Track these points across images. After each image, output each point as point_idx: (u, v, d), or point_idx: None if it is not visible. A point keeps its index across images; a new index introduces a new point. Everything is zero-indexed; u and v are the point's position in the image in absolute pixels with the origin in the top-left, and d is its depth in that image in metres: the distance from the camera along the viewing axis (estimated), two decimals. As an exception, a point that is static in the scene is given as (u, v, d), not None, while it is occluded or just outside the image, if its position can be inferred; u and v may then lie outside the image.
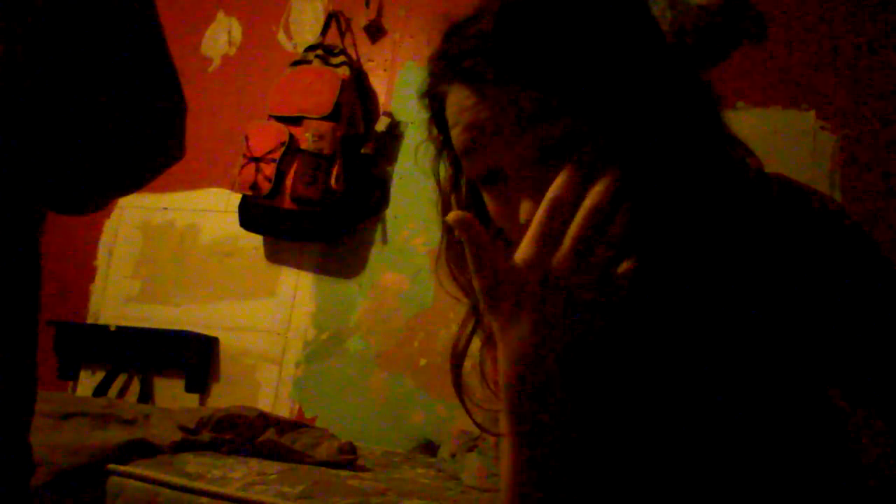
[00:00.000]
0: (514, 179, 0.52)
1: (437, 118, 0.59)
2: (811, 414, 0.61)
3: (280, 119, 2.17)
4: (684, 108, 0.53)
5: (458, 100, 0.53)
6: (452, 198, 0.62)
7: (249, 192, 2.13)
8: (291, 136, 2.12)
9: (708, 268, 0.56)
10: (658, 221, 0.51)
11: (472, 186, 0.60)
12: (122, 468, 1.29)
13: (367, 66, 2.30)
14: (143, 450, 1.37)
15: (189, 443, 1.45)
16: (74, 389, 2.37)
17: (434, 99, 0.58)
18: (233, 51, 2.51)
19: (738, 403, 0.58)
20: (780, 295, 0.57)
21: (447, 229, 0.60)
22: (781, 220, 0.57)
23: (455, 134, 0.54)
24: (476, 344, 0.64)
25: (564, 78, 0.49)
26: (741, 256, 0.56)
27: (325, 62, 2.23)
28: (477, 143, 0.52)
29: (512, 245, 0.55)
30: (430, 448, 1.92)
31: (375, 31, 2.31)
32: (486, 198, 0.56)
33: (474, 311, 0.62)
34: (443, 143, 0.60)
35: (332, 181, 2.08)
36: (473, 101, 0.52)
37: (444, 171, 0.63)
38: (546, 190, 0.48)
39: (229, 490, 1.22)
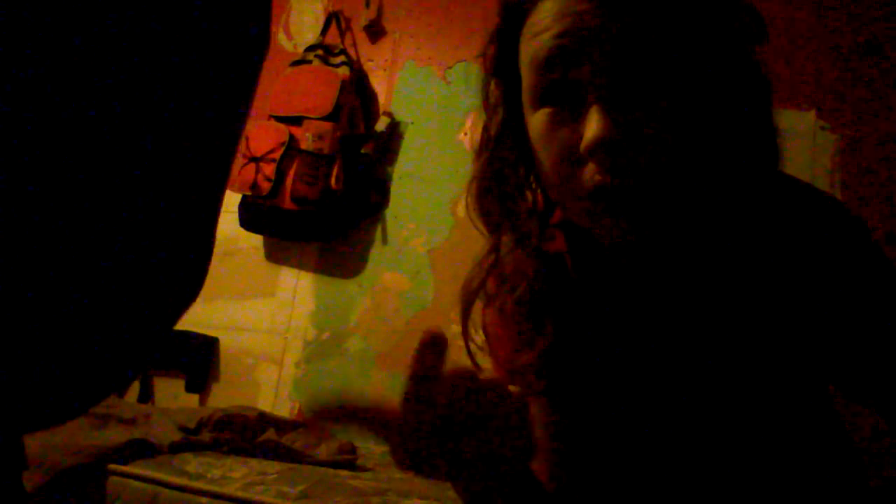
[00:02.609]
0: (591, 93, 0.51)
1: (505, 35, 0.58)
2: (811, 413, 0.61)
3: (280, 119, 2.17)
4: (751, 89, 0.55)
5: (554, 7, 0.53)
6: (493, 119, 0.61)
7: (249, 192, 2.13)
8: (291, 136, 2.12)
9: (718, 252, 0.57)
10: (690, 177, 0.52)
11: (512, 114, 0.59)
12: (122, 468, 1.29)
13: (367, 66, 2.30)
14: (143, 450, 1.37)
15: (189, 443, 1.45)
16: (74, 389, 2.36)
17: (513, 12, 0.57)
18: (233, 51, 2.51)
19: (739, 399, 0.58)
20: (784, 290, 0.57)
21: (485, 158, 0.60)
22: (790, 217, 0.58)
23: (539, 41, 0.53)
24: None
25: (674, 4, 0.51)
26: (753, 247, 0.57)
27: (325, 62, 2.23)
28: (567, 47, 0.51)
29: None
30: (430, 448, 1.92)
31: (375, 31, 2.31)
32: (537, 121, 0.55)
33: (496, 250, 0.61)
34: (497, 63, 0.60)
35: (332, 181, 2.08)
36: (585, 7, 0.51)
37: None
38: (619, 123, 0.49)
39: (229, 490, 1.22)
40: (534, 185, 0.61)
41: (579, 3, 0.51)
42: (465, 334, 0.61)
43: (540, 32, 0.53)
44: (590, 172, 0.51)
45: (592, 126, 0.50)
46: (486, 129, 0.61)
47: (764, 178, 0.56)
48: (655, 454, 0.61)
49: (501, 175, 0.60)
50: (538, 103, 0.54)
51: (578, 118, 0.52)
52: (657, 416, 0.60)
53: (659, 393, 0.60)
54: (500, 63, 0.60)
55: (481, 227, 0.62)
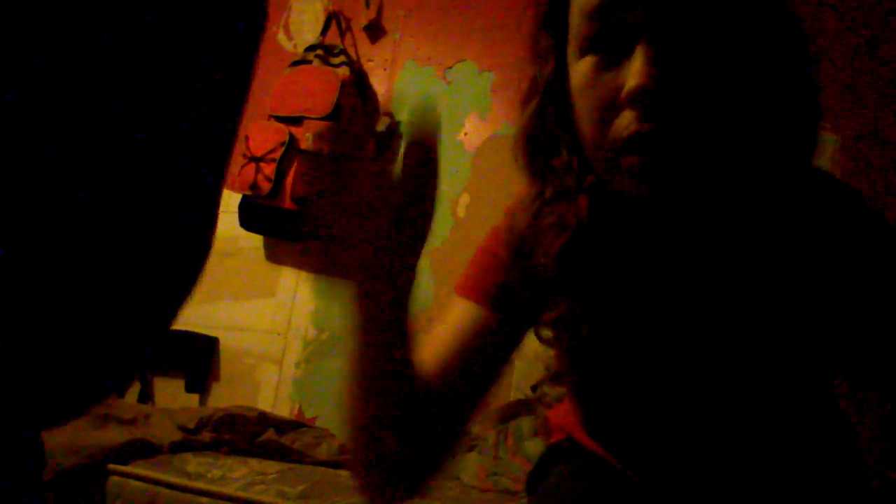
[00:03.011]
0: (636, 45, 0.51)
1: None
2: (820, 408, 0.61)
3: (280, 119, 2.17)
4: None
5: None
6: (544, 68, 0.61)
7: (249, 192, 2.13)
8: (291, 135, 2.12)
9: (739, 229, 0.57)
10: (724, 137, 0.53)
11: (559, 66, 0.59)
12: (122, 468, 1.30)
13: (367, 66, 2.30)
14: (143, 450, 1.37)
15: (189, 443, 1.45)
16: (74, 389, 2.36)
17: None
18: (233, 51, 2.51)
19: (752, 384, 0.59)
20: (804, 273, 0.57)
21: (533, 108, 0.60)
22: (814, 202, 0.59)
23: None
24: None
25: None
26: (776, 226, 0.57)
27: (325, 62, 2.23)
28: (620, 2, 0.52)
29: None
30: (430, 448, 1.92)
31: (375, 31, 2.31)
32: (581, 69, 0.55)
33: (540, 195, 0.61)
34: (547, 13, 0.60)
35: (332, 181, 2.08)
36: None
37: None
38: (663, 71, 0.49)
39: (229, 490, 1.22)
40: (570, 146, 0.61)
41: None
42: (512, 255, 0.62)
43: None
44: (626, 120, 0.51)
45: (636, 73, 0.50)
46: (534, 79, 0.61)
47: (802, 156, 0.56)
48: (665, 426, 0.61)
49: (546, 126, 0.61)
50: (584, 51, 0.55)
51: (622, 67, 0.52)
52: (670, 389, 0.61)
53: (673, 368, 0.60)
54: (550, 14, 0.60)
55: (525, 174, 0.62)
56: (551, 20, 0.60)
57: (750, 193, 0.56)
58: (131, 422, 1.56)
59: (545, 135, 0.60)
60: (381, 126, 2.05)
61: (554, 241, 0.60)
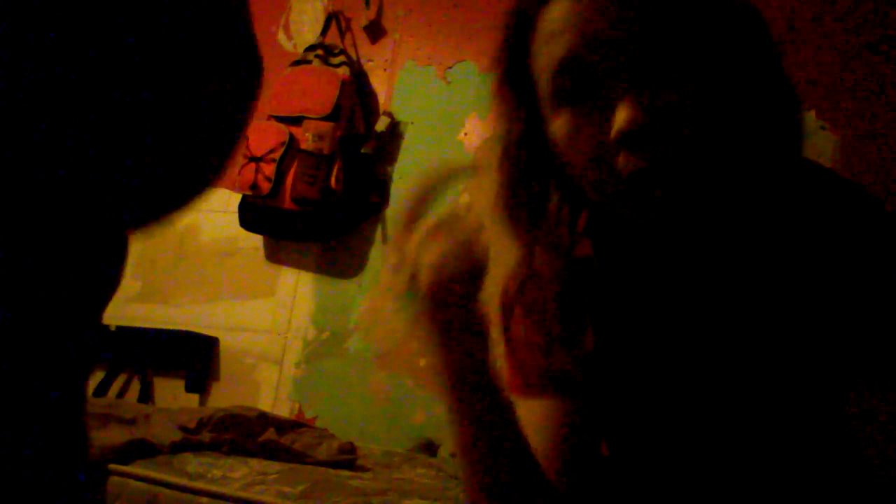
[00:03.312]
0: (611, 87, 0.52)
1: (514, 46, 0.59)
2: (822, 413, 0.61)
3: (280, 119, 2.17)
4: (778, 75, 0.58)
5: (562, 11, 0.54)
6: (510, 128, 0.62)
7: (249, 192, 2.13)
8: (291, 136, 2.12)
9: (749, 242, 0.58)
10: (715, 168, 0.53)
11: (529, 122, 0.60)
12: (122, 468, 1.29)
13: (367, 66, 2.30)
14: (143, 450, 1.37)
15: (189, 443, 1.45)
16: (74, 389, 2.36)
17: (520, 21, 0.58)
18: (233, 51, 2.51)
19: (770, 396, 0.58)
20: (815, 275, 0.57)
21: (508, 173, 0.61)
22: (818, 202, 0.59)
23: (552, 46, 0.54)
24: None
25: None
26: (784, 235, 0.58)
27: (325, 62, 2.23)
28: (581, 48, 0.52)
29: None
30: (430, 448, 1.92)
31: (375, 31, 2.31)
32: (561, 124, 0.55)
33: (528, 260, 0.62)
34: (508, 73, 0.61)
35: (332, 181, 2.08)
36: (583, 7, 0.52)
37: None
38: (645, 106, 0.50)
39: (229, 490, 1.22)
40: (557, 194, 0.62)
41: (589, 2, 0.52)
42: (507, 341, 0.62)
43: (555, 35, 0.54)
44: (623, 160, 0.52)
45: (622, 114, 0.51)
46: (504, 139, 0.62)
47: (788, 155, 0.57)
48: (689, 448, 0.61)
49: (527, 184, 0.61)
50: (561, 105, 0.55)
51: (604, 111, 0.52)
52: (695, 412, 0.60)
53: (697, 389, 0.60)
54: (512, 73, 0.60)
55: (508, 237, 0.62)
56: (514, 77, 0.60)
57: (752, 199, 0.57)
58: (131, 422, 1.56)
59: (529, 191, 0.61)
60: (381, 126, 2.07)
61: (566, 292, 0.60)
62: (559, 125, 0.55)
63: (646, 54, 0.51)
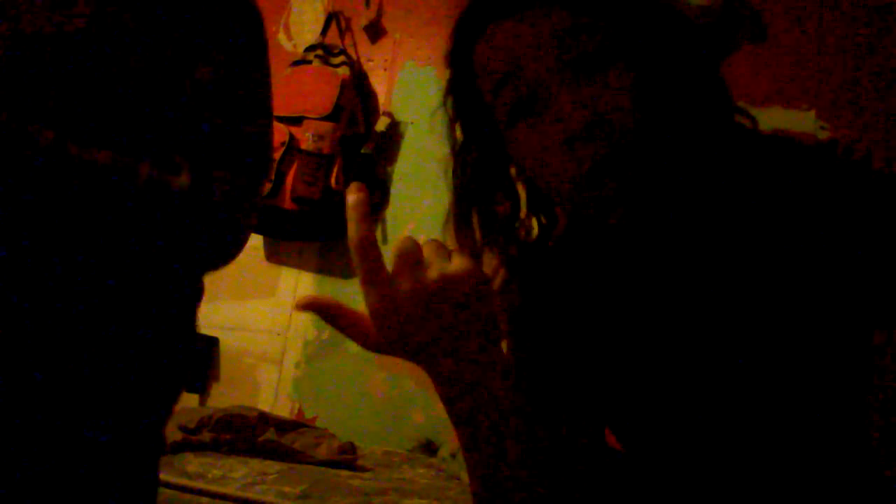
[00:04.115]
0: (550, 96, 0.54)
1: (459, 79, 0.62)
2: (832, 408, 0.59)
3: (280, 119, 2.17)
4: (695, 48, 0.58)
5: (492, 37, 0.57)
6: (464, 162, 0.64)
7: (249, 192, 2.13)
8: (291, 136, 2.12)
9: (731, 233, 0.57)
10: (667, 148, 0.54)
11: (483, 151, 0.63)
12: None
13: (367, 66, 2.30)
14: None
15: (189, 443, 1.45)
16: (74, 389, 2.36)
17: (460, 56, 0.61)
18: (233, 51, 2.51)
19: (773, 401, 0.57)
20: (810, 260, 0.56)
21: (456, 195, 0.64)
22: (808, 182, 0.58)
23: (489, 69, 0.57)
24: None
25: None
26: (767, 217, 0.57)
27: (326, 62, 2.23)
28: (514, 66, 0.55)
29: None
30: (430, 448, 1.92)
31: (375, 31, 2.31)
32: (516, 139, 0.57)
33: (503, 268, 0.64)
34: (458, 109, 0.64)
35: (332, 181, 2.08)
36: (509, 29, 0.56)
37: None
38: (585, 104, 0.52)
39: (229, 490, 1.22)
40: (525, 212, 0.64)
41: (507, 30, 0.56)
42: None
43: (489, 61, 0.57)
44: (581, 159, 0.53)
45: (564, 116, 0.53)
46: (456, 170, 0.65)
47: (721, 123, 0.58)
48: (682, 453, 0.61)
49: (482, 210, 0.63)
50: (511, 122, 0.57)
51: (549, 118, 0.55)
52: (686, 417, 0.60)
53: (688, 395, 0.59)
54: (462, 106, 0.63)
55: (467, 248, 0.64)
56: (463, 111, 0.63)
57: (712, 184, 0.58)
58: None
59: (478, 206, 0.63)
60: (381, 126, 2.08)
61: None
62: (513, 139, 0.58)
63: (580, 55, 0.53)
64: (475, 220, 0.63)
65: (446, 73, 0.64)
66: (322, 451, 1.51)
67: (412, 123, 2.21)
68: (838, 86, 1.84)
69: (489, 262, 0.64)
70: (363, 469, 1.53)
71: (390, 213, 2.18)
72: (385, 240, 2.17)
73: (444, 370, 0.47)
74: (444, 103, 0.65)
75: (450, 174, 0.65)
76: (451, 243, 0.63)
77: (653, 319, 0.61)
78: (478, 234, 0.63)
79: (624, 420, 0.65)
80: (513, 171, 0.64)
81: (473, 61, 0.60)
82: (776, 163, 0.59)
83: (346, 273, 2.19)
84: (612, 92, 0.53)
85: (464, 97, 0.62)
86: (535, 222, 0.66)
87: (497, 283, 0.64)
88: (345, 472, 1.42)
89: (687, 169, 0.56)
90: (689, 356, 0.59)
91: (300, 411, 2.13)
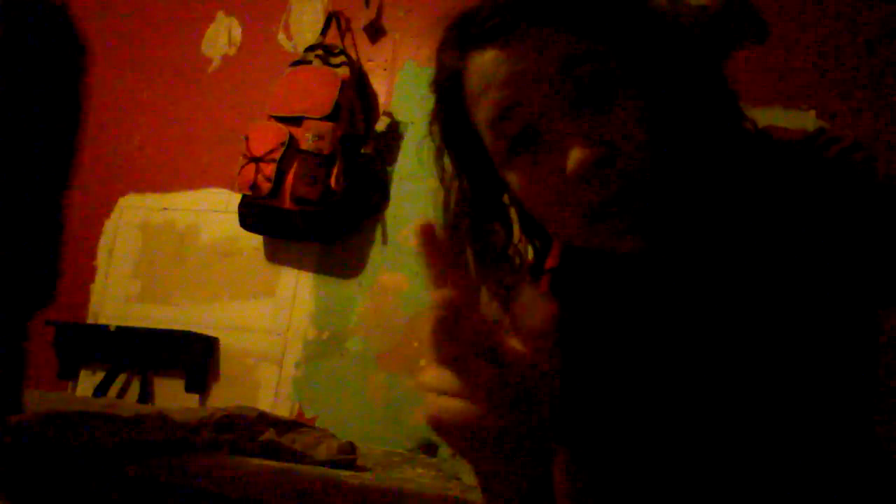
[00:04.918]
0: (554, 130, 0.51)
1: (448, 105, 0.58)
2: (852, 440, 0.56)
3: (280, 119, 2.17)
4: (698, 58, 0.55)
5: (485, 65, 0.53)
6: (454, 191, 0.62)
7: (249, 193, 2.13)
8: (291, 136, 2.12)
9: (738, 251, 0.55)
10: (679, 167, 0.52)
11: (475, 180, 0.60)
12: (122, 468, 1.29)
13: (367, 66, 2.30)
14: (143, 450, 1.37)
15: (189, 443, 1.45)
16: (74, 389, 2.37)
17: (448, 81, 0.57)
18: (233, 51, 2.51)
19: (782, 429, 0.55)
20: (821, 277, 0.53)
21: (448, 226, 0.61)
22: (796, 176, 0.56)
23: (485, 101, 0.53)
24: None
25: (592, 20, 0.51)
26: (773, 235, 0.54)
27: (325, 62, 2.23)
28: (513, 99, 0.51)
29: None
30: (430, 448, 1.92)
31: (375, 31, 2.31)
32: (515, 172, 0.55)
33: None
34: (446, 138, 0.60)
35: (332, 181, 2.08)
36: (505, 57, 0.51)
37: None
38: (595, 137, 0.49)
39: (229, 490, 1.22)
40: (517, 240, 0.62)
41: (497, 56, 0.52)
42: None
43: (479, 96, 0.54)
44: (584, 195, 0.51)
45: (573, 153, 0.50)
46: (449, 204, 0.62)
47: (735, 137, 0.56)
48: (688, 489, 0.58)
49: (475, 241, 0.61)
50: (510, 156, 0.54)
51: (552, 154, 0.52)
52: (690, 449, 0.58)
53: (691, 423, 0.58)
54: (450, 135, 0.60)
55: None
56: (452, 138, 0.60)
57: (722, 210, 0.55)
58: (131, 422, 1.56)
59: (480, 246, 0.61)
60: (381, 126, 2.08)
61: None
62: (514, 174, 0.55)
63: (582, 87, 0.50)
64: (468, 252, 0.61)
65: (434, 98, 0.61)
66: (322, 451, 1.51)
67: (412, 123, 2.21)
68: (838, 86, 1.84)
69: (484, 295, 0.62)
70: (363, 469, 1.53)
71: (390, 213, 2.18)
72: (385, 240, 2.17)
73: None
74: (430, 132, 0.61)
75: (439, 206, 0.62)
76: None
77: (671, 345, 0.59)
78: (472, 266, 0.60)
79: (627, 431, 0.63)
80: (506, 198, 0.62)
81: (464, 88, 0.56)
82: (781, 168, 0.57)
83: (346, 273, 2.19)
84: (621, 123, 0.50)
85: (452, 126, 0.59)
86: (529, 248, 0.64)
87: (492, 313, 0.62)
88: (345, 472, 1.42)
89: (701, 193, 0.54)
90: (707, 380, 0.57)
91: (300, 411, 2.13)
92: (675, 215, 0.53)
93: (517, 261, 0.63)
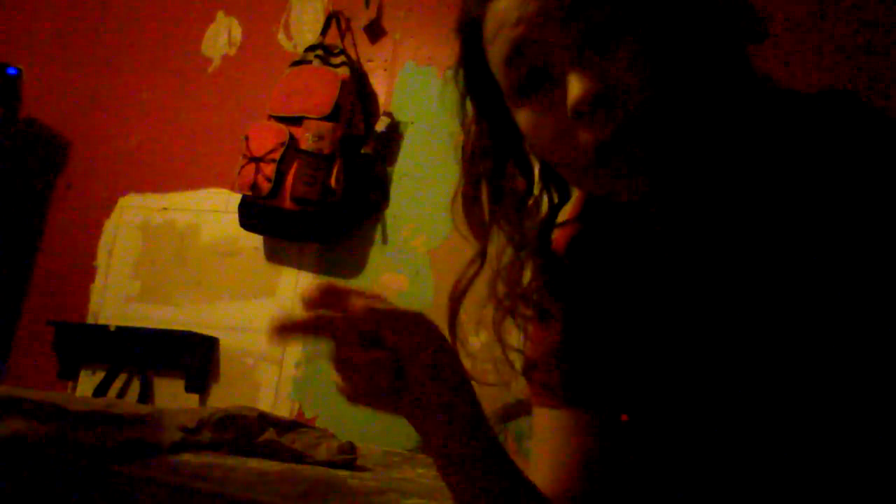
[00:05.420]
0: (559, 69, 0.52)
1: (469, 51, 0.60)
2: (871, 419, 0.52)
3: (280, 119, 2.17)
4: (714, 14, 0.55)
5: (500, 9, 0.55)
6: (473, 135, 0.63)
7: (249, 192, 2.13)
8: (291, 136, 2.12)
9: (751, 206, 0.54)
10: (682, 112, 0.52)
11: (495, 125, 0.61)
12: (121, 468, 1.29)
13: (367, 66, 2.30)
14: (143, 450, 1.37)
15: (189, 443, 1.45)
16: (74, 389, 2.37)
17: (469, 26, 0.60)
18: (233, 51, 2.51)
19: (803, 403, 0.53)
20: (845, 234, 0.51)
21: (466, 171, 0.62)
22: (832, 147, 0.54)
23: (499, 42, 0.55)
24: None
25: None
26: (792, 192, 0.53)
27: (325, 62, 2.23)
28: (522, 37, 0.53)
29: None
30: (430, 448, 1.92)
31: (375, 31, 2.31)
32: (525, 116, 0.56)
33: (482, 255, 0.63)
34: (468, 83, 0.62)
35: (332, 181, 2.08)
36: (519, 2, 0.53)
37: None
38: (595, 77, 0.50)
39: (229, 490, 1.22)
40: (535, 190, 0.62)
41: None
42: (453, 336, 0.62)
43: (494, 38, 0.55)
44: (587, 136, 0.52)
45: (574, 88, 0.51)
46: (467, 145, 0.63)
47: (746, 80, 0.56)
48: (698, 464, 0.58)
49: (493, 185, 0.62)
50: (520, 98, 0.56)
51: (558, 92, 0.53)
52: (701, 420, 0.57)
53: (702, 393, 0.57)
54: (472, 80, 0.62)
55: (468, 234, 0.64)
56: (475, 85, 0.62)
57: (728, 161, 0.55)
58: (131, 422, 1.56)
59: (489, 185, 0.62)
60: (381, 126, 2.08)
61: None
62: (524, 116, 0.56)
63: (588, 26, 0.51)
64: (485, 196, 0.62)
65: (456, 45, 0.62)
66: (322, 452, 1.51)
67: (412, 123, 2.21)
68: (838, 86, 1.83)
69: (496, 240, 0.62)
70: (363, 469, 1.53)
71: (390, 213, 2.18)
72: (385, 240, 2.17)
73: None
74: (455, 76, 0.63)
75: (459, 150, 0.64)
76: (458, 220, 0.63)
77: (679, 298, 0.59)
78: (486, 211, 0.62)
79: (644, 403, 0.62)
80: (526, 146, 0.62)
81: (482, 34, 0.58)
82: (788, 116, 0.56)
83: (346, 273, 2.19)
84: (624, 63, 0.50)
85: (474, 70, 0.60)
86: (545, 199, 0.64)
87: (503, 261, 0.62)
88: (345, 472, 1.42)
89: (704, 140, 0.54)
90: (715, 339, 0.56)
91: (300, 411, 2.13)
92: (679, 160, 0.53)
93: (534, 212, 0.63)
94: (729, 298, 0.56)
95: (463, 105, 0.63)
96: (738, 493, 0.56)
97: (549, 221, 0.64)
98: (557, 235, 0.66)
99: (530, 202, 0.63)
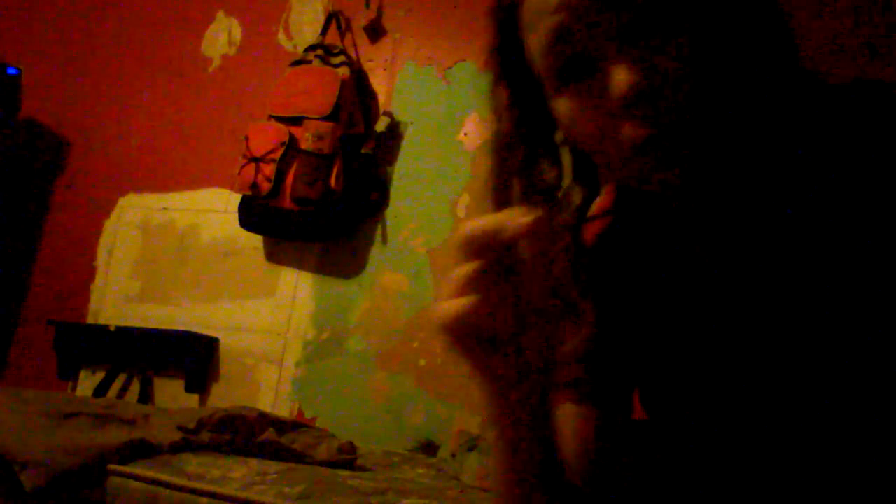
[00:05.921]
0: (603, 58, 0.51)
1: (504, 37, 0.59)
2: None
3: (280, 119, 2.17)
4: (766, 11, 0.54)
5: None
6: (505, 122, 0.61)
7: (249, 192, 2.13)
8: (291, 136, 2.12)
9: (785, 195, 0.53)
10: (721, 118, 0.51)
11: (527, 113, 0.60)
12: (122, 468, 1.29)
13: (367, 66, 2.30)
14: (143, 450, 1.37)
15: (189, 443, 1.45)
16: (74, 389, 2.37)
17: (505, 11, 0.58)
18: (233, 51, 2.51)
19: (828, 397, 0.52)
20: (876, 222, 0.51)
21: (497, 161, 0.60)
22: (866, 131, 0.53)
23: (539, 27, 0.53)
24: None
25: None
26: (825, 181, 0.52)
27: (325, 62, 2.23)
28: (566, 24, 0.51)
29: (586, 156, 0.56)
30: (430, 448, 1.92)
31: (375, 31, 2.31)
32: (564, 104, 0.54)
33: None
34: (501, 68, 0.60)
35: (332, 181, 2.08)
36: None
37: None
38: (641, 69, 0.49)
39: (229, 490, 1.22)
40: (551, 175, 0.61)
41: None
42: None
43: (541, 14, 0.53)
44: (629, 128, 0.51)
45: (619, 80, 0.49)
46: (499, 136, 0.61)
47: (793, 79, 0.55)
48: (723, 458, 0.57)
49: (524, 175, 0.60)
50: (560, 85, 0.54)
51: (602, 83, 0.51)
52: (728, 412, 0.56)
53: (728, 384, 0.56)
54: (506, 66, 0.60)
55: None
56: (508, 70, 0.60)
57: (770, 158, 0.54)
58: (131, 422, 1.56)
59: (524, 179, 0.60)
60: (381, 126, 2.09)
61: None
62: (563, 104, 0.54)
63: (635, 16, 0.50)
64: (515, 188, 0.60)
65: (491, 29, 0.60)
66: (322, 451, 1.51)
67: (412, 123, 2.21)
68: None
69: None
70: (363, 469, 1.53)
71: (390, 213, 2.18)
72: (385, 240, 2.17)
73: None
74: (487, 63, 0.61)
75: (490, 140, 0.62)
76: (487, 210, 0.62)
77: (712, 293, 0.58)
78: (517, 201, 0.60)
79: (671, 400, 0.62)
80: (558, 137, 0.61)
81: (519, 21, 0.56)
82: (833, 115, 0.55)
83: (346, 273, 2.19)
84: (671, 55, 0.49)
85: (509, 56, 0.59)
86: (576, 192, 0.63)
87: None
88: (344, 472, 1.42)
89: (748, 134, 0.52)
90: (745, 333, 0.56)
91: (300, 411, 2.13)
92: (716, 154, 0.52)
93: (564, 203, 0.62)
94: (761, 293, 0.55)
95: (495, 90, 0.61)
96: (762, 492, 0.56)
97: (581, 215, 0.63)
98: (586, 230, 0.64)
99: (559, 194, 0.62)
